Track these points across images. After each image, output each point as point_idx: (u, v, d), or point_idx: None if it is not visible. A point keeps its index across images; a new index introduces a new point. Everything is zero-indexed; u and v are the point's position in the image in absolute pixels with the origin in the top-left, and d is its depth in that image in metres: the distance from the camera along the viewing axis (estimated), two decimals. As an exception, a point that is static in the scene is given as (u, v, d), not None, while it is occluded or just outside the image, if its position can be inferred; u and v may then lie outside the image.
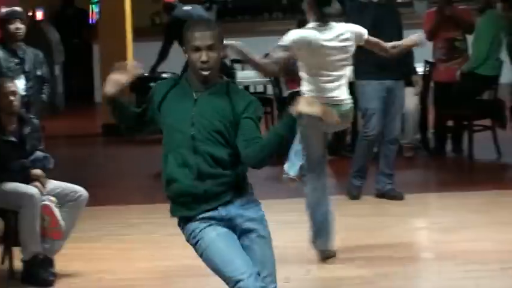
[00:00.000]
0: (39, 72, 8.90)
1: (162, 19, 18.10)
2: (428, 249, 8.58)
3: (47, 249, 7.25)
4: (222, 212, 4.47)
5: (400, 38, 9.04)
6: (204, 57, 4.38)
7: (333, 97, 7.55)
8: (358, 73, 9.26)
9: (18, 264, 7.37)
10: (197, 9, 14.13)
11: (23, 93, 8.42)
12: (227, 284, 4.36)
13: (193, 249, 4.59)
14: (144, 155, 12.72)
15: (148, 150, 12.49)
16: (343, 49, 7.61)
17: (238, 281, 4.26)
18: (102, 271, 7.67)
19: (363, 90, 9.44)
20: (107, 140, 13.96)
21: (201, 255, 4.51)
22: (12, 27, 8.72)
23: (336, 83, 7.67)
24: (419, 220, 9.24)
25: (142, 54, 13.88)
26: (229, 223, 4.48)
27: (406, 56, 9.49)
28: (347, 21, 8.58)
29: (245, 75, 13.04)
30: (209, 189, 4.41)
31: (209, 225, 4.44)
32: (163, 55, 13.03)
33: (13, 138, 7.33)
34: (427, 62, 11.69)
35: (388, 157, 9.73)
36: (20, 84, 8.48)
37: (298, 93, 7.92)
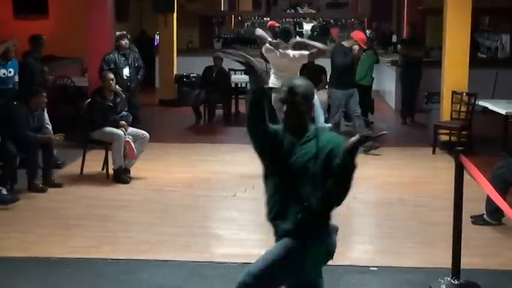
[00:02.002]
0: (136, 64, 10.21)
1: (194, 44, 19.36)
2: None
3: (127, 164, 8.49)
4: None
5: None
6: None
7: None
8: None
9: (110, 172, 8.54)
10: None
11: (127, 75, 9.98)
12: None
13: None
14: (178, 116, 13.82)
15: (181, 113, 13.94)
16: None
17: None
18: (155, 177, 8.73)
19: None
20: (160, 108, 14.87)
21: None
22: (122, 42, 10.06)
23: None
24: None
25: (182, 63, 15.71)
26: None
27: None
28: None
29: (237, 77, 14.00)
30: None
31: None
32: None
33: (110, 103, 8.56)
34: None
35: None
36: (125, 71, 9.94)
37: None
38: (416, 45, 13.22)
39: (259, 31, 9.89)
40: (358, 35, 10.59)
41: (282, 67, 8.84)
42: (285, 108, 3.66)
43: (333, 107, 10.54)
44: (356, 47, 10.26)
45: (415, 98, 13.09)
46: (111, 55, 9.97)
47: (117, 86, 9.13)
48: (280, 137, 3.71)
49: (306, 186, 3.60)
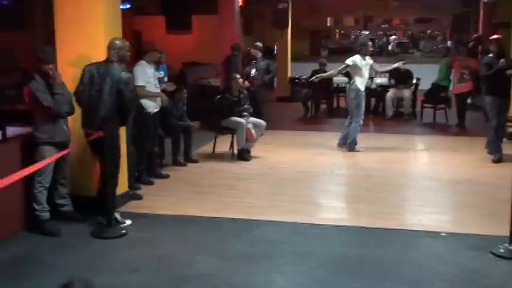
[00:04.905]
0: (265, 68, 10.44)
1: (305, 53, 19.28)
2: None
3: (248, 145, 8.55)
4: None
5: None
6: None
7: None
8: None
9: (235, 152, 8.65)
10: None
11: (253, 75, 10.28)
12: None
13: None
14: (290, 109, 13.73)
15: (293, 107, 13.84)
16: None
17: None
18: (270, 156, 8.78)
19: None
20: (277, 103, 14.95)
21: None
22: (252, 50, 10.55)
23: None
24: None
25: (294, 68, 15.71)
26: None
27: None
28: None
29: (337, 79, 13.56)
30: None
31: None
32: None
33: (235, 98, 8.63)
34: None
35: None
36: (252, 72, 10.25)
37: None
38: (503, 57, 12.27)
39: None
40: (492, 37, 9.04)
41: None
42: None
43: (489, 113, 8.53)
44: (503, 60, 8.19)
45: None
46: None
47: (246, 82, 9.33)
48: None
49: None
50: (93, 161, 5.77)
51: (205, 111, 9.86)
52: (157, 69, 7.73)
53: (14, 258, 4.87)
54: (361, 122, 9.12)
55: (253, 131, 8.55)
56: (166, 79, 9.47)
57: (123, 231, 5.45)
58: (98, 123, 5.36)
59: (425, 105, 12.21)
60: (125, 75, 5.43)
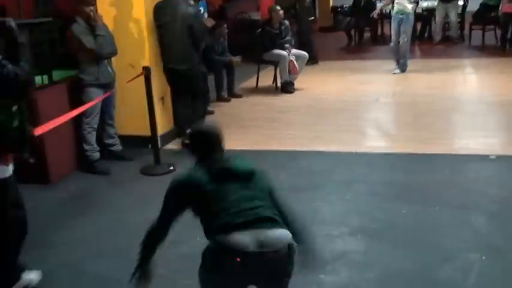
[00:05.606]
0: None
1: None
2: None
3: (291, 78, 8.46)
4: None
5: None
6: None
7: None
8: None
9: (279, 85, 8.67)
10: None
11: None
12: None
13: None
14: (334, 39, 13.31)
15: (336, 36, 13.47)
16: None
17: None
18: (314, 87, 8.67)
19: None
20: (320, 34, 14.29)
21: None
22: None
23: None
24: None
25: None
26: None
27: None
28: None
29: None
30: None
31: None
32: None
33: (276, 31, 8.50)
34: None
35: None
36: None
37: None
38: None
39: None
40: None
41: None
42: None
43: None
44: None
45: None
46: None
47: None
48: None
49: None
50: (139, 101, 5.78)
51: (246, 45, 9.76)
52: (196, 5, 7.66)
53: (68, 197, 5.02)
54: (391, 43, 9.27)
55: (295, 63, 8.44)
56: (206, 15, 9.45)
57: (171, 168, 5.54)
58: (176, 58, 5.76)
59: (473, 27, 11.77)
60: (191, 9, 5.75)
